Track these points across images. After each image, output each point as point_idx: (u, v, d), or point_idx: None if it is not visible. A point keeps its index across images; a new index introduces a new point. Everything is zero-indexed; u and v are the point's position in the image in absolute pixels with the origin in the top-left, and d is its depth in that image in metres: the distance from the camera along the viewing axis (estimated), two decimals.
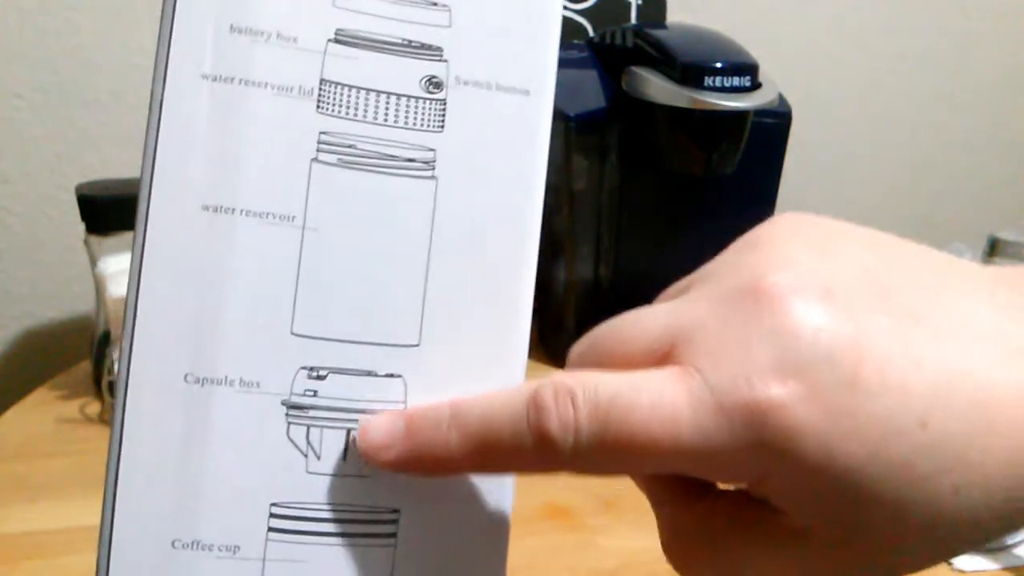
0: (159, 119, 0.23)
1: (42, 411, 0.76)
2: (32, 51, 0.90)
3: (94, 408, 0.76)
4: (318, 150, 0.23)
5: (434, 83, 0.23)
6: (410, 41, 0.23)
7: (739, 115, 0.74)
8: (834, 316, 0.21)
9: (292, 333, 0.23)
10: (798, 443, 0.19)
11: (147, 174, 0.24)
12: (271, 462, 0.22)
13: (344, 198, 0.23)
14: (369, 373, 0.23)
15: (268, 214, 0.23)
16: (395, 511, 0.23)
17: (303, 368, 0.23)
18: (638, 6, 1.07)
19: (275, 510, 0.22)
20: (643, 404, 0.20)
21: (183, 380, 0.23)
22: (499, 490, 0.23)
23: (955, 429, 0.19)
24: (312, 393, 0.23)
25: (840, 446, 0.19)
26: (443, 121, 0.23)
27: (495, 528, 0.23)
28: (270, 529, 0.22)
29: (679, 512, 0.26)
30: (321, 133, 0.23)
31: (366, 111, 0.23)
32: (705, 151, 0.77)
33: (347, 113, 0.23)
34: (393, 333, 0.23)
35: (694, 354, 0.21)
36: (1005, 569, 0.56)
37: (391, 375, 0.23)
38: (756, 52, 0.76)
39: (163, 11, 0.23)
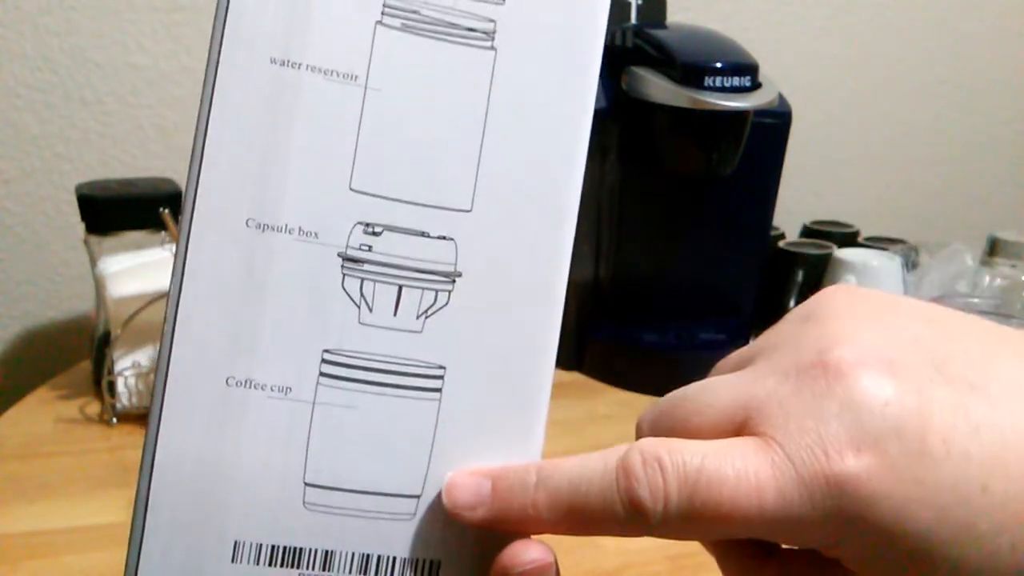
0: None
1: (42, 411, 0.76)
2: (32, 51, 0.90)
3: (94, 408, 0.76)
4: (383, 13, 0.23)
5: None
6: None
7: (739, 115, 0.74)
8: (898, 388, 0.22)
9: (351, 188, 0.23)
10: (874, 511, 0.21)
11: (219, 24, 0.23)
12: (325, 311, 0.23)
13: (406, 62, 0.23)
14: (422, 233, 0.24)
15: (333, 71, 0.23)
16: (441, 367, 0.24)
17: (360, 223, 0.23)
18: (638, 6, 1.07)
19: (327, 356, 0.23)
20: (729, 475, 0.22)
21: (245, 225, 0.24)
22: (541, 357, 0.24)
23: (1013, 491, 0.21)
24: (367, 248, 0.24)
25: (912, 512, 0.21)
26: None
27: (535, 391, 0.24)
28: (321, 374, 0.23)
29: (749, 572, 0.27)
30: None
31: None
32: (705, 151, 0.77)
33: None
34: (447, 197, 0.24)
35: (771, 426, 0.22)
36: None
37: (443, 237, 0.24)
38: (756, 52, 0.76)
39: None
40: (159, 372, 0.24)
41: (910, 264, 0.86)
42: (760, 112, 0.76)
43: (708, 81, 0.72)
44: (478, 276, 0.24)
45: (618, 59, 0.80)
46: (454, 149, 0.24)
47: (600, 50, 0.24)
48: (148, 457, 0.24)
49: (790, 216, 1.07)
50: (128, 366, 0.74)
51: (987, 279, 0.81)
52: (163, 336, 0.24)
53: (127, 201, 0.77)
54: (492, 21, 0.23)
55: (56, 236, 0.95)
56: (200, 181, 0.24)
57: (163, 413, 0.23)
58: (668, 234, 0.86)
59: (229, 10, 0.23)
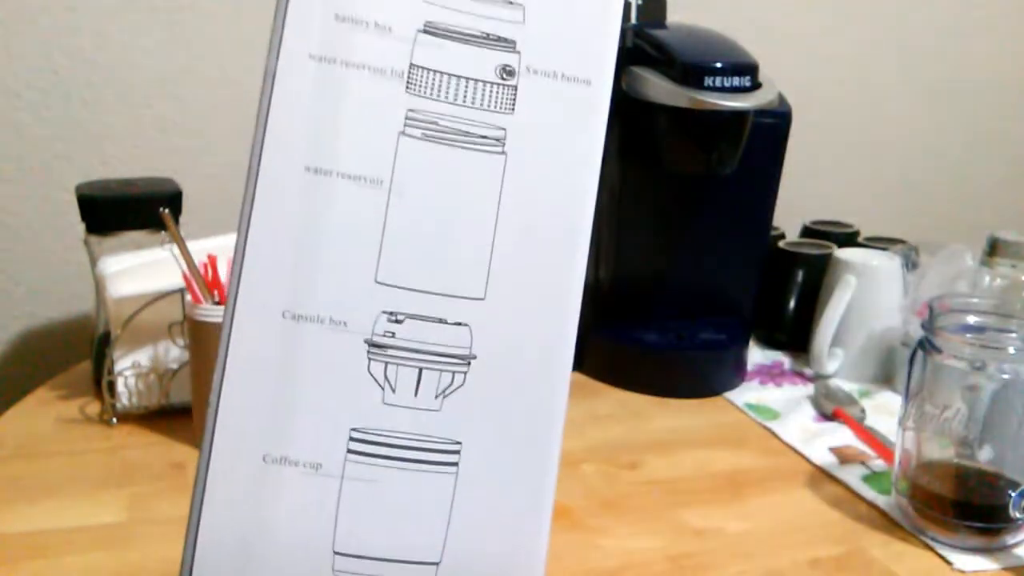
0: (271, 91, 0.26)
1: (42, 411, 0.76)
2: (32, 51, 0.90)
3: (94, 408, 0.76)
4: (405, 125, 0.26)
5: (507, 71, 0.26)
6: (488, 34, 0.26)
7: (739, 115, 0.74)
8: None
9: (376, 281, 0.26)
10: None
11: (259, 137, 0.26)
12: (353, 392, 0.26)
13: (426, 167, 0.26)
14: (441, 320, 0.26)
15: (361, 177, 0.26)
16: (458, 443, 0.25)
17: (384, 312, 0.26)
18: (638, 6, 1.07)
19: (354, 434, 0.25)
20: None
21: (281, 316, 0.26)
22: (548, 431, 0.25)
23: None
24: (391, 335, 0.26)
25: None
26: (514, 104, 0.26)
27: (545, 460, 0.25)
28: (349, 451, 0.25)
29: None
30: (409, 110, 0.26)
31: (448, 93, 0.26)
32: (705, 151, 0.77)
33: (432, 94, 0.26)
34: (462, 287, 0.26)
35: None
36: (1005, 569, 0.56)
37: (459, 323, 0.26)
38: (756, 52, 0.76)
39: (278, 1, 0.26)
40: (203, 451, 0.26)
41: (910, 264, 0.86)
42: (760, 112, 0.76)
43: (708, 81, 0.72)
44: (491, 358, 0.26)
45: (618, 59, 0.80)
46: (469, 243, 0.26)
47: (600, 148, 0.26)
48: (192, 530, 0.26)
49: (790, 216, 1.07)
50: (128, 366, 0.74)
51: (987, 279, 0.81)
52: (207, 418, 0.25)
53: (127, 201, 0.77)
54: (502, 129, 0.26)
55: (56, 236, 0.95)
56: (242, 277, 0.27)
57: (206, 488, 0.25)
58: (668, 234, 0.86)
59: (268, 124, 0.26)
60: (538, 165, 0.26)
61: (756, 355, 0.93)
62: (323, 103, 0.26)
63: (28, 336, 0.98)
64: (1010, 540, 0.58)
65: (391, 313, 0.26)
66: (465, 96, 0.26)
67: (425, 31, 0.26)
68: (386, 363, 0.26)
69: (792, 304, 0.93)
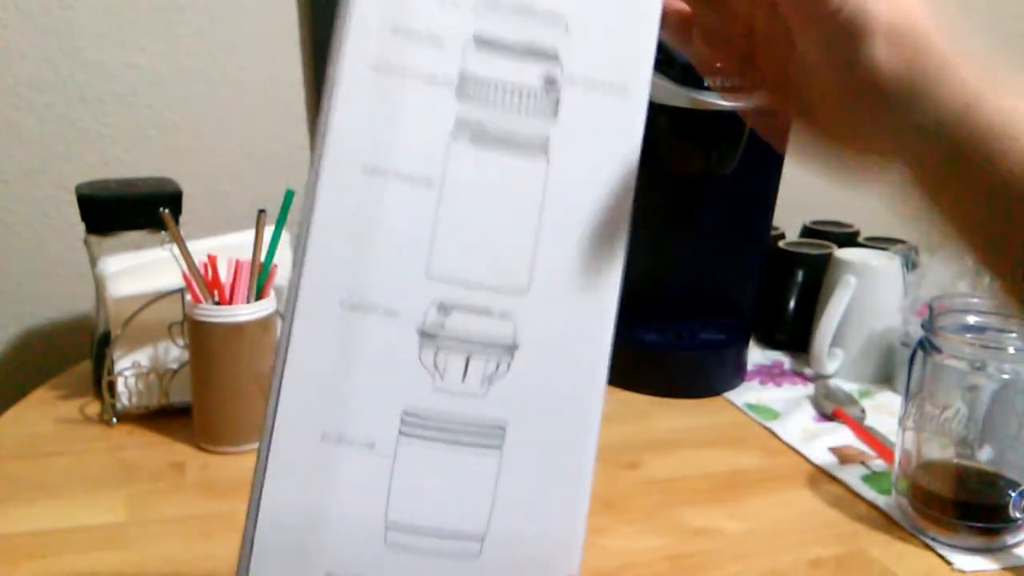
0: (332, 97, 0.29)
1: (42, 411, 0.76)
2: (32, 51, 0.90)
3: (94, 408, 0.76)
4: (455, 129, 0.28)
5: (550, 80, 0.28)
6: (532, 44, 0.28)
7: (739, 115, 0.75)
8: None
9: (427, 275, 0.28)
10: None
11: (320, 140, 0.29)
12: (404, 378, 0.28)
13: (474, 169, 0.28)
14: (487, 312, 0.28)
15: (414, 178, 0.28)
16: (501, 426, 0.28)
17: (434, 304, 0.28)
18: None
19: (406, 417, 0.27)
20: None
21: (339, 306, 0.28)
22: (587, 418, 0.28)
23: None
24: (440, 325, 0.28)
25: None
26: (556, 111, 0.28)
27: (583, 442, 0.28)
28: (401, 432, 0.27)
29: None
30: (458, 115, 0.28)
31: (495, 99, 0.28)
32: (705, 151, 0.77)
33: (480, 100, 0.28)
34: (508, 280, 0.28)
35: None
36: (1005, 569, 0.56)
37: (504, 314, 0.28)
38: None
39: (340, 14, 0.29)
40: (265, 430, 0.28)
41: (910, 264, 0.86)
42: None
43: (708, 81, 0.72)
44: (533, 347, 0.28)
45: None
46: (514, 240, 0.28)
47: (637, 150, 0.28)
48: (254, 505, 0.28)
49: (790, 216, 1.07)
50: (128, 366, 0.74)
51: (987, 279, 0.81)
52: (269, 399, 0.28)
53: (127, 201, 0.77)
54: (546, 134, 0.28)
55: (56, 236, 0.95)
56: (304, 269, 0.28)
57: (268, 464, 0.28)
58: (668, 234, 0.86)
59: (329, 128, 0.29)
60: (579, 167, 0.28)
61: (756, 355, 0.93)
62: (380, 109, 0.29)
63: (28, 336, 0.98)
64: (1010, 540, 0.58)
65: (441, 304, 0.28)
66: (511, 103, 0.28)
67: (475, 41, 0.28)
68: (436, 351, 0.28)
69: (792, 304, 0.93)
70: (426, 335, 0.28)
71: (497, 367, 0.28)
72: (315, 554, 0.28)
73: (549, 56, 0.28)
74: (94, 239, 0.77)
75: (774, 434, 0.75)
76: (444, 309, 0.28)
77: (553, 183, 0.28)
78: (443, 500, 0.28)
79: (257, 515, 0.28)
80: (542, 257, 0.28)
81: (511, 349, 0.28)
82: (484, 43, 0.28)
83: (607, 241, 0.28)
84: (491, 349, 0.28)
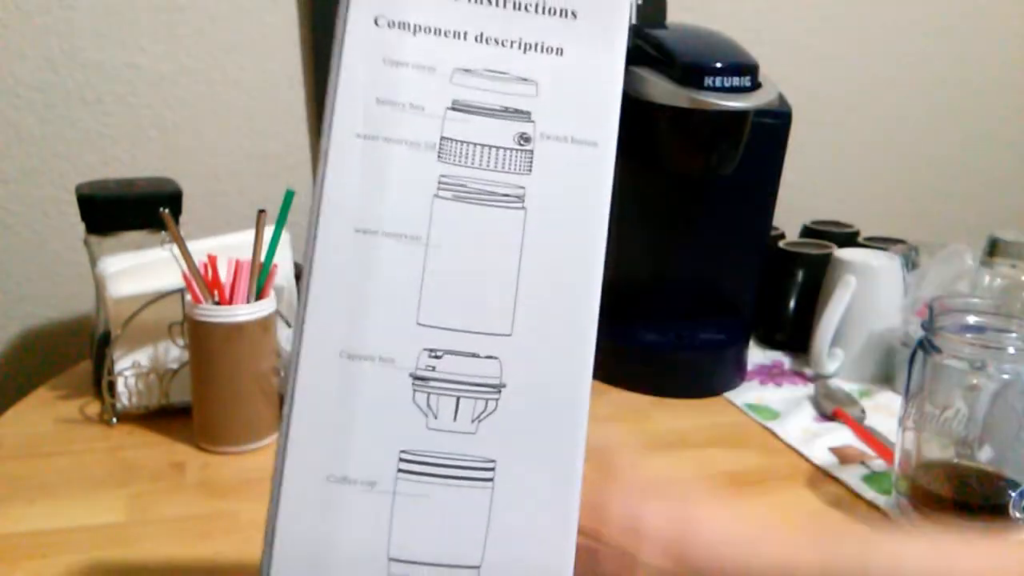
0: (325, 166, 0.31)
1: (42, 411, 0.76)
2: (32, 51, 0.90)
3: (94, 408, 0.77)
4: (438, 188, 0.31)
5: (524, 138, 0.31)
6: (507, 107, 0.31)
7: (739, 115, 0.74)
8: None
9: (418, 323, 0.31)
10: None
11: (316, 204, 0.31)
12: (400, 419, 0.30)
13: (457, 223, 0.31)
14: (474, 355, 0.30)
15: (402, 235, 0.31)
16: (492, 461, 0.30)
17: (425, 349, 0.30)
18: (638, 6, 1.07)
19: (403, 455, 0.30)
20: None
21: (338, 356, 0.31)
22: (571, 451, 0.30)
23: None
24: (431, 368, 0.30)
25: None
26: (531, 166, 0.31)
27: (569, 473, 0.29)
28: (399, 470, 0.30)
29: None
30: (440, 176, 0.31)
31: (474, 159, 0.31)
32: (705, 151, 0.77)
33: (460, 161, 0.31)
34: (492, 324, 0.31)
35: None
36: None
37: (490, 356, 0.30)
38: (756, 52, 0.76)
39: (328, 86, 0.31)
40: (276, 472, 0.30)
41: (910, 264, 0.86)
42: (760, 112, 0.76)
43: (708, 81, 0.72)
44: (518, 386, 0.30)
45: None
46: (496, 287, 0.30)
47: (607, 200, 0.30)
48: (269, 539, 0.30)
49: (790, 216, 1.07)
50: (128, 366, 0.74)
51: (987, 279, 0.81)
52: (279, 442, 0.31)
53: (127, 201, 0.77)
54: (522, 188, 0.31)
55: (56, 236, 0.95)
56: (305, 323, 0.31)
57: (280, 503, 0.30)
58: (668, 234, 0.86)
59: (323, 193, 0.31)
60: (553, 217, 0.30)
61: (756, 355, 0.93)
62: (368, 173, 0.31)
63: (28, 336, 0.98)
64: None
65: (431, 350, 0.30)
66: (489, 161, 0.31)
67: (453, 108, 0.31)
68: (428, 393, 0.30)
69: (792, 304, 0.93)
70: (419, 379, 0.30)
71: (486, 406, 0.30)
72: None
73: (522, 117, 0.31)
74: (94, 239, 0.77)
75: (774, 434, 0.75)
76: (434, 354, 0.31)
77: (530, 232, 0.31)
78: (441, 533, 0.30)
79: (272, 551, 0.30)
80: (523, 301, 0.30)
81: (498, 389, 0.31)
82: (462, 109, 0.31)
83: (583, 283, 0.30)
84: (479, 389, 0.30)
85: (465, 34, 0.31)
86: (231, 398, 0.69)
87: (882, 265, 0.85)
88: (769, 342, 0.96)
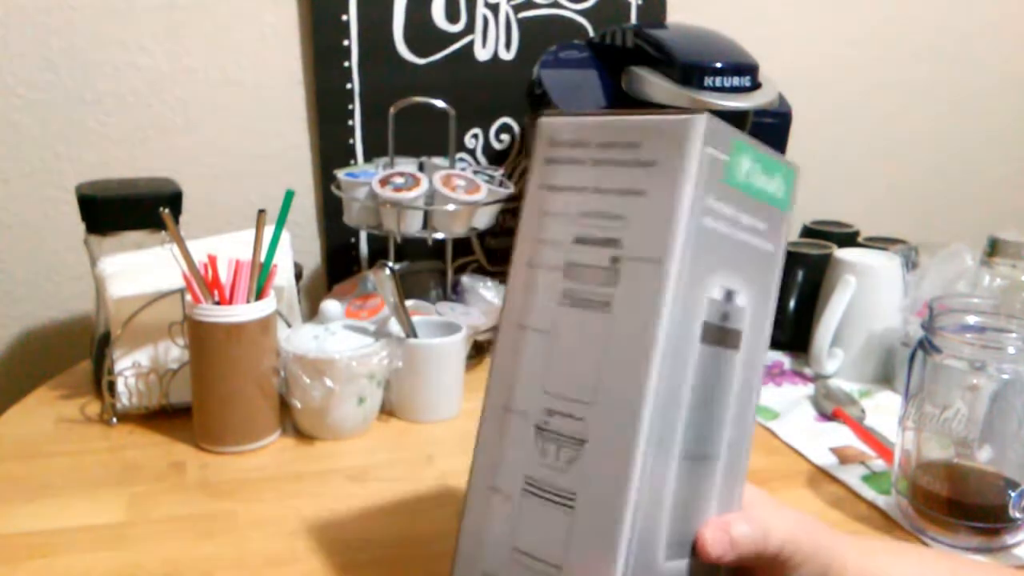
0: (507, 289, 0.45)
1: (42, 411, 0.76)
2: (32, 51, 0.90)
3: (94, 408, 0.77)
4: (562, 296, 0.42)
5: (615, 259, 0.40)
6: (607, 238, 0.40)
7: (739, 115, 0.75)
8: None
9: (543, 391, 0.42)
10: None
11: (502, 310, 0.45)
12: (526, 455, 0.42)
13: (569, 322, 0.41)
14: (570, 416, 0.41)
15: (539, 329, 0.43)
16: (574, 493, 0.40)
17: (544, 408, 0.41)
18: (638, 6, 1.07)
19: (526, 479, 0.42)
20: None
21: (502, 409, 0.43)
22: (623, 492, 0.38)
23: None
24: (547, 423, 0.41)
25: None
26: (618, 280, 0.40)
27: (620, 510, 0.38)
28: (523, 488, 0.42)
29: None
30: (564, 288, 0.42)
31: (584, 276, 0.41)
32: None
33: (576, 278, 0.41)
34: (584, 395, 0.40)
35: None
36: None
37: (580, 418, 0.40)
38: (756, 52, 0.76)
39: (517, 233, 0.45)
40: (468, 484, 0.44)
41: (910, 264, 0.86)
42: (760, 112, 0.76)
43: (708, 81, 0.72)
44: (595, 441, 0.39)
45: (618, 59, 0.80)
46: (589, 368, 0.40)
47: (669, 298, 0.38)
48: (458, 539, 0.45)
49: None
50: (128, 366, 0.74)
51: (987, 279, 0.81)
52: (472, 463, 0.44)
53: (127, 201, 0.77)
54: (611, 296, 0.40)
55: (56, 236, 0.95)
56: (489, 384, 0.44)
57: (465, 509, 0.44)
58: None
59: (505, 302, 0.44)
60: (629, 317, 0.39)
61: None
62: (526, 288, 0.44)
63: (28, 336, 0.98)
64: (1010, 540, 0.58)
65: (548, 410, 0.41)
66: (593, 277, 0.41)
67: (575, 240, 0.42)
68: (543, 441, 0.41)
69: (792, 304, 0.93)
70: (539, 429, 0.41)
71: (573, 453, 0.40)
72: (477, 561, 0.43)
73: (615, 244, 0.40)
74: (94, 239, 0.77)
75: (774, 434, 0.75)
76: (550, 413, 0.41)
77: (613, 329, 0.39)
78: (542, 536, 0.41)
79: (460, 530, 0.44)
80: (604, 380, 0.40)
81: (582, 442, 0.40)
82: (580, 240, 0.41)
83: (644, 364, 0.39)
84: (572, 441, 0.40)
85: (586, 188, 0.42)
86: (231, 398, 0.69)
87: (882, 265, 0.85)
88: (769, 342, 0.96)
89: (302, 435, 0.73)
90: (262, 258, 0.70)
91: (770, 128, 0.81)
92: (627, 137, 0.41)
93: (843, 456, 0.71)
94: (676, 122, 0.39)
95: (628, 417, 0.39)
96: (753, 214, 0.43)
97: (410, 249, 0.92)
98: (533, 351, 0.42)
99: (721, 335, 0.42)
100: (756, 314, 0.44)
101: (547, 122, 0.44)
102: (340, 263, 1.04)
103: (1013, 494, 0.57)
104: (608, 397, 0.39)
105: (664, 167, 0.39)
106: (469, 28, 1.00)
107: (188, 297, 0.69)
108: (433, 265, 0.95)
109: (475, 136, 1.04)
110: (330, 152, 1.00)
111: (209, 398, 0.69)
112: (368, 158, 1.00)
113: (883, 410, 0.79)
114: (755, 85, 0.74)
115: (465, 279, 0.91)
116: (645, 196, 0.40)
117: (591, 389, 0.40)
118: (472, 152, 1.05)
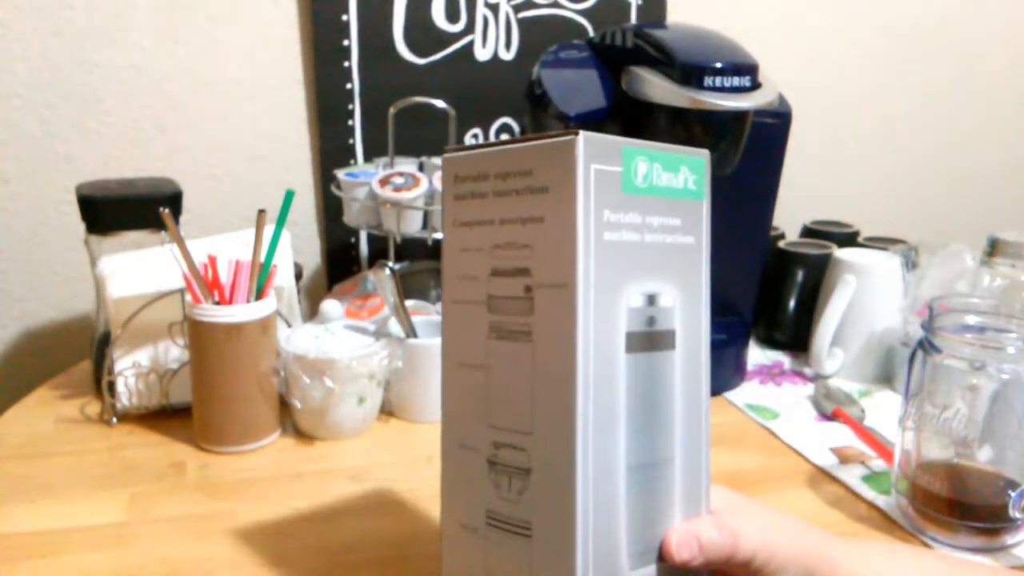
0: (444, 325, 0.46)
1: (42, 411, 0.76)
2: (32, 51, 0.90)
3: (94, 408, 0.77)
4: (488, 330, 0.43)
5: (527, 288, 0.40)
6: (519, 267, 0.41)
7: (739, 115, 0.75)
8: None
9: (488, 424, 0.43)
10: None
11: (443, 350, 0.46)
12: (483, 489, 0.43)
13: (497, 354, 0.42)
14: (514, 446, 0.42)
15: (472, 364, 0.44)
16: (529, 522, 0.41)
17: (493, 441, 0.43)
18: (638, 6, 1.07)
19: (487, 513, 0.43)
20: None
21: (459, 446, 0.45)
22: (570, 519, 0.39)
23: None
24: (495, 455, 0.42)
25: None
26: (533, 309, 0.40)
27: (571, 531, 0.39)
28: (486, 523, 0.43)
29: None
30: (489, 322, 0.43)
31: (505, 308, 0.42)
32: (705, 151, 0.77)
33: (498, 310, 0.42)
34: (521, 425, 0.41)
35: None
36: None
37: (522, 449, 0.41)
38: (756, 52, 0.76)
39: (444, 273, 0.45)
40: (441, 518, 0.46)
41: (910, 264, 0.86)
42: (760, 112, 0.76)
43: (708, 81, 0.72)
44: (538, 469, 0.40)
45: (618, 59, 0.80)
46: (522, 396, 0.41)
47: (578, 320, 0.39)
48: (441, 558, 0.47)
49: (790, 216, 1.07)
50: (128, 366, 0.74)
51: (987, 279, 0.81)
52: (441, 502, 0.46)
53: (127, 201, 0.77)
54: (529, 325, 0.41)
55: (56, 236, 0.95)
56: (443, 422, 0.45)
57: (443, 544, 0.46)
58: None
59: (444, 340, 0.45)
60: (548, 344, 0.40)
61: (756, 355, 0.93)
62: (458, 324, 0.44)
63: (28, 336, 0.98)
64: (1010, 540, 0.58)
65: (495, 443, 0.42)
66: (512, 308, 0.41)
67: (492, 273, 0.42)
68: (496, 474, 0.42)
69: (792, 304, 0.93)
70: (490, 463, 0.43)
71: (523, 483, 0.41)
72: None
73: (525, 272, 0.41)
74: (94, 239, 0.77)
75: (774, 434, 0.75)
76: (497, 446, 0.42)
77: (537, 358, 0.40)
78: (510, 569, 0.42)
79: (441, 564, 0.46)
80: (538, 405, 0.40)
81: (528, 472, 0.41)
82: (496, 272, 0.42)
83: (569, 388, 0.39)
84: (518, 471, 0.41)
85: (493, 221, 0.42)
86: (231, 398, 0.69)
87: (882, 265, 0.85)
88: (769, 342, 0.96)
89: (302, 435, 0.73)
90: (262, 258, 0.70)
91: (770, 128, 0.81)
92: (520, 165, 0.41)
93: (843, 456, 0.71)
94: (556, 145, 0.39)
95: (563, 443, 0.39)
96: (664, 213, 0.42)
97: (410, 249, 0.92)
98: (474, 387, 0.43)
99: (650, 340, 0.41)
100: (688, 309, 0.43)
101: (449, 159, 0.45)
102: (340, 263, 1.04)
103: (1013, 494, 0.57)
104: (543, 425, 0.40)
105: (556, 191, 0.39)
106: (469, 28, 1.00)
107: (188, 297, 0.69)
108: (433, 265, 0.95)
109: (475, 136, 1.04)
110: (330, 152, 1.00)
111: (209, 398, 0.69)
112: (368, 158, 1.00)
113: (883, 410, 0.79)
114: (755, 85, 0.74)
115: None
116: (543, 222, 0.40)
117: (528, 419, 0.41)
118: None
